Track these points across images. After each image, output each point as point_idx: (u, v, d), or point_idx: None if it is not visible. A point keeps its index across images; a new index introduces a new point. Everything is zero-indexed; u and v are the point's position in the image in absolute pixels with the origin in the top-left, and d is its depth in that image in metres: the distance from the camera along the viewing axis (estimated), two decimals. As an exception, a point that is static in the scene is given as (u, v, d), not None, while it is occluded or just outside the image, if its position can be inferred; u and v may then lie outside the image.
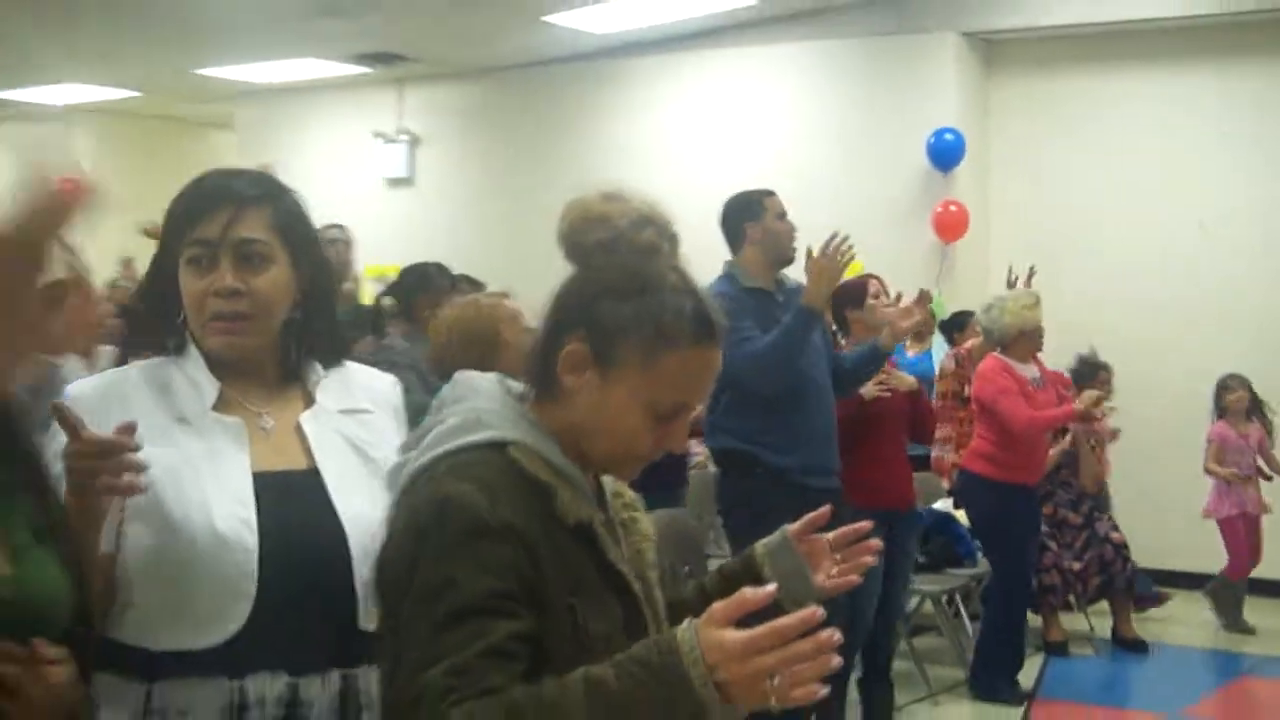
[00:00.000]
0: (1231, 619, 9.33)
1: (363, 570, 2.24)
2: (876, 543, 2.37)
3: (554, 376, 2.12)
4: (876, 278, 7.13)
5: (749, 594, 1.75)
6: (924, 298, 7.22)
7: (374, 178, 14.39)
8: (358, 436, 2.45)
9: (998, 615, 7.94)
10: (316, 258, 2.53)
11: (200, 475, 2.28)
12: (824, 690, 1.75)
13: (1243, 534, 9.18)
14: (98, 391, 2.45)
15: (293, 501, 2.32)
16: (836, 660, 1.72)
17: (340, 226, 8.97)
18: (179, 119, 17.26)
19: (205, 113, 16.87)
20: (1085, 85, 11.59)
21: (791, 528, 2.37)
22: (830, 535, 2.37)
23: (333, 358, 2.51)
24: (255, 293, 2.33)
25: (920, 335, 9.95)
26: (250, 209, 2.36)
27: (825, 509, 2.37)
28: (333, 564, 2.20)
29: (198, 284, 2.34)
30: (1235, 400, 9.01)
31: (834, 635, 1.71)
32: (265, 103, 15.70)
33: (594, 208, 2.23)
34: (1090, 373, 9.38)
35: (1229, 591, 9.29)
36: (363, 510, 2.24)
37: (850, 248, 6.18)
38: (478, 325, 4.37)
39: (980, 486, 7.77)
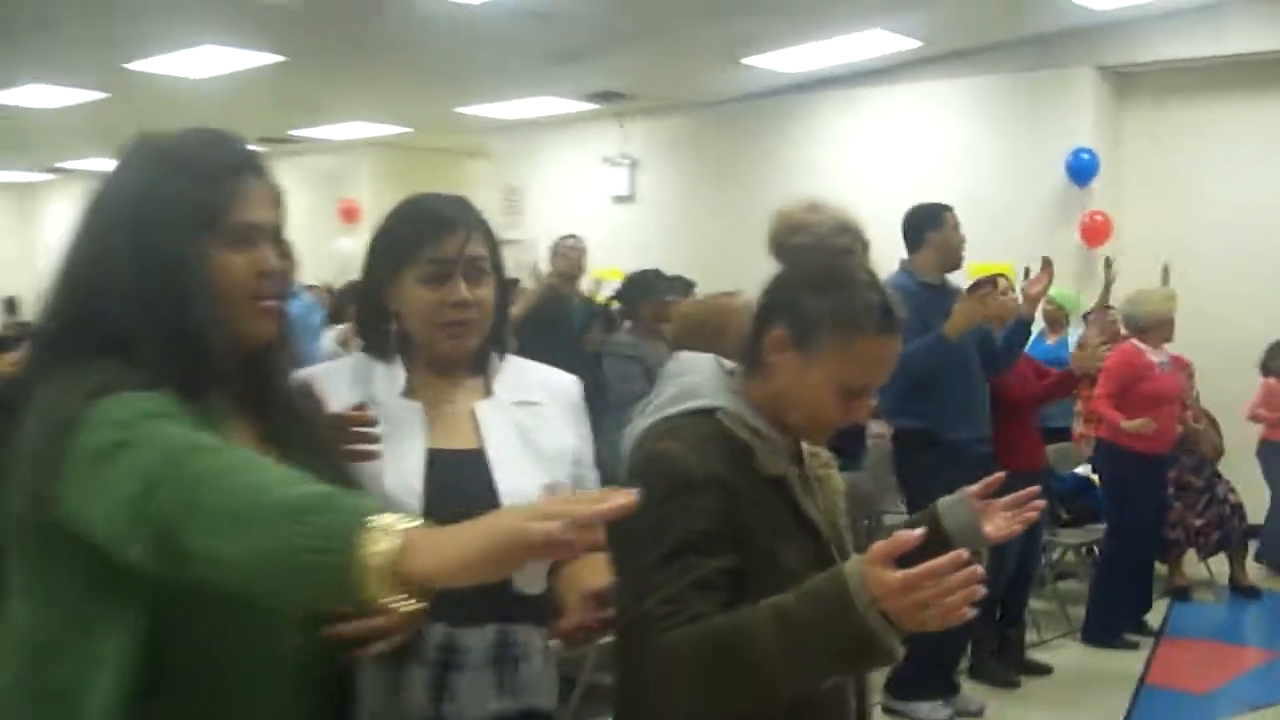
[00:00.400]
0: None
1: None
2: (1042, 503, 2.59)
3: (761, 356, 2.35)
4: (1004, 276, 7.48)
5: (903, 535, 1.98)
6: (1046, 265, 7.07)
7: (601, 196, 15.40)
8: (525, 424, 2.56)
9: (1117, 567, 8.25)
10: (503, 269, 2.65)
11: (381, 449, 2.41)
12: (972, 613, 1.96)
13: None
14: (317, 374, 2.58)
15: (458, 476, 2.47)
16: (981, 590, 1.93)
17: (575, 236, 9.95)
18: (443, 149, 18.28)
19: (464, 144, 17.83)
20: (1205, 110, 12.19)
21: (970, 489, 2.55)
22: (1005, 499, 2.57)
23: (501, 349, 2.66)
24: (481, 303, 2.50)
25: (1057, 324, 10.44)
26: (476, 232, 2.52)
27: (999, 475, 2.58)
28: None
29: (432, 296, 2.48)
30: None
31: (978, 570, 1.92)
32: (513, 135, 16.69)
33: (797, 216, 2.44)
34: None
35: None
36: (519, 485, 2.38)
37: (1007, 293, 6.96)
38: (706, 316, 4.48)
39: (1112, 454, 8.15)
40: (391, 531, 1.47)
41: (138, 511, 1.54)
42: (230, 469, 1.56)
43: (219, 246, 1.80)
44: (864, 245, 2.42)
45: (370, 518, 1.47)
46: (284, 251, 1.92)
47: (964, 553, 1.93)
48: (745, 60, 12.81)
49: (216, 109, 13.97)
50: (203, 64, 12.22)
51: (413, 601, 1.49)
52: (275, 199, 1.91)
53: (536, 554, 1.52)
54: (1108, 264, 9.68)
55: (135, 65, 12.22)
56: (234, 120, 10.37)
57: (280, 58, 11.96)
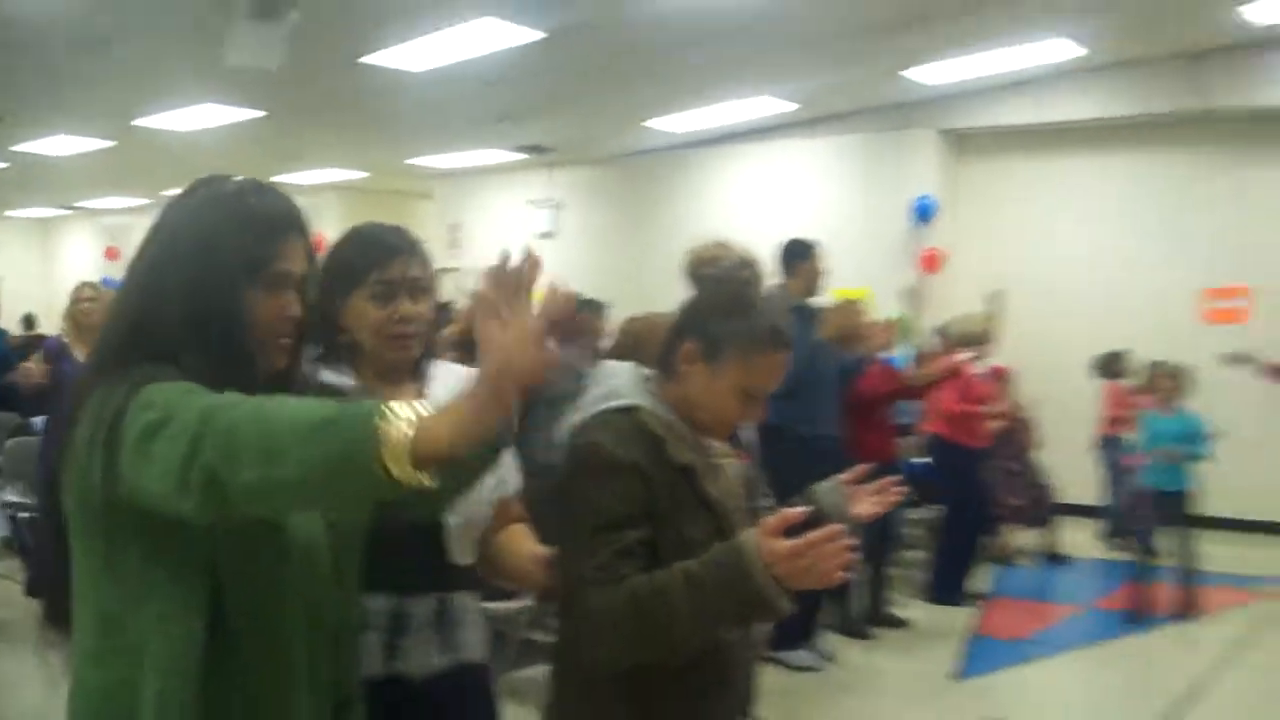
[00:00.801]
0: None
1: (450, 519, 2.38)
2: (903, 489, 2.60)
3: (674, 366, 2.37)
4: (860, 300, 7.60)
5: (790, 512, 2.06)
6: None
7: (529, 232, 14.99)
8: None
9: (953, 539, 8.43)
10: (436, 288, 2.60)
11: None
12: (844, 576, 2.04)
13: None
14: None
15: None
16: (852, 557, 2.01)
17: None
18: (396, 192, 18.14)
19: (414, 187, 17.71)
20: (1026, 167, 12.43)
21: (841, 476, 2.61)
22: (870, 485, 2.60)
23: (432, 356, 2.59)
24: (421, 317, 2.47)
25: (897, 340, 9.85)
26: (414, 256, 2.49)
27: (865, 466, 2.63)
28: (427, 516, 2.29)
29: (379, 312, 2.43)
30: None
31: (850, 541, 2.01)
32: (455, 180, 16.77)
33: (708, 251, 2.49)
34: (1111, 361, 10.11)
35: None
36: None
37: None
38: (635, 332, 4.66)
39: (944, 447, 8.35)
40: (403, 416, 1.46)
41: (187, 469, 1.51)
42: (256, 413, 1.53)
43: (258, 289, 1.79)
44: (760, 276, 2.50)
45: (383, 411, 1.46)
46: (304, 298, 1.89)
47: (840, 527, 2.01)
48: (645, 122, 12.87)
49: (208, 157, 13.67)
50: (197, 119, 12.14)
51: (430, 477, 1.48)
52: (309, 253, 1.90)
53: (510, 369, 1.50)
54: (995, 297, 9.51)
55: (140, 120, 12.16)
56: (223, 166, 10.35)
57: (263, 114, 11.88)
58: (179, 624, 1.69)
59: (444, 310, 7.32)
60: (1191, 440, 7.49)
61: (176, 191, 1.88)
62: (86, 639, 1.74)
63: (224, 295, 1.74)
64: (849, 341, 7.12)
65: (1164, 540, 8.07)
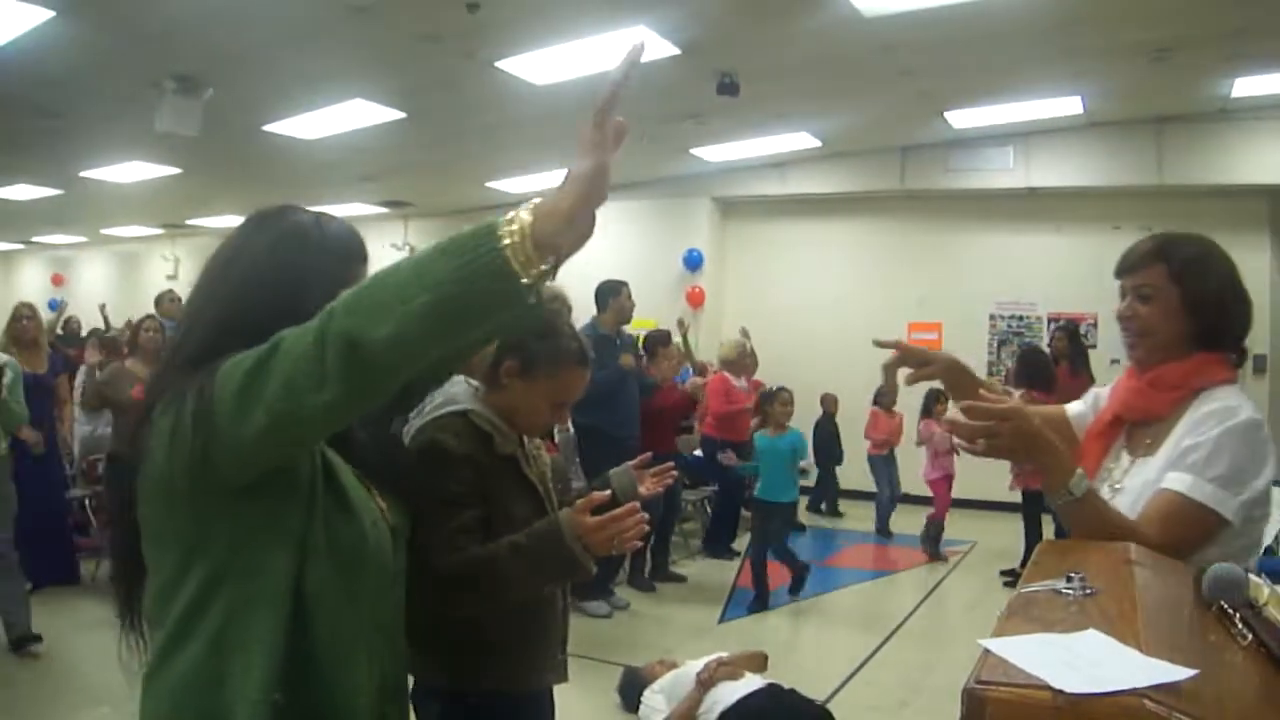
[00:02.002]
0: (934, 549, 8.80)
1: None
2: (675, 472, 2.61)
3: (498, 379, 2.34)
4: (668, 332, 7.88)
5: (596, 495, 2.10)
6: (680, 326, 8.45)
7: None
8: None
9: (720, 512, 8.79)
10: None
11: None
12: (639, 544, 2.13)
13: (945, 491, 8.80)
14: None
15: None
16: (645, 529, 2.07)
17: None
18: (284, 235, 18.28)
19: (299, 232, 17.98)
20: (776, 227, 12.56)
21: (630, 463, 2.59)
22: (652, 469, 2.59)
23: None
24: None
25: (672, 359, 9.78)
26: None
27: (646, 456, 2.62)
28: None
29: None
30: (940, 408, 8.37)
31: (644, 516, 2.06)
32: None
33: None
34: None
35: (935, 528, 8.81)
36: None
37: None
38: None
39: (713, 442, 8.50)
40: (517, 215, 1.29)
41: (320, 351, 1.31)
42: (373, 278, 1.34)
43: None
44: (569, 308, 2.55)
45: (493, 219, 1.29)
46: None
47: (636, 505, 2.07)
48: (487, 183, 12.83)
49: (137, 203, 14.13)
50: (129, 173, 11.92)
51: (549, 266, 1.30)
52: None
53: (603, 159, 1.34)
54: (743, 331, 10.22)
55: (84, 173, 11.96)
56: (150, 210, 10.50)
57: (181, 170, 11.79)
58: (266, 606, 1.49)
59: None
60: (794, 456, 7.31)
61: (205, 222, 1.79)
62: (168, 624, 1.52)
63: (308, 316, 1.46)
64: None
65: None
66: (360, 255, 1.70)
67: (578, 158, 1.34)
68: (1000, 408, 1.88)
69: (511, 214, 1.29)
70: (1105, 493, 2.06)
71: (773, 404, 7.38)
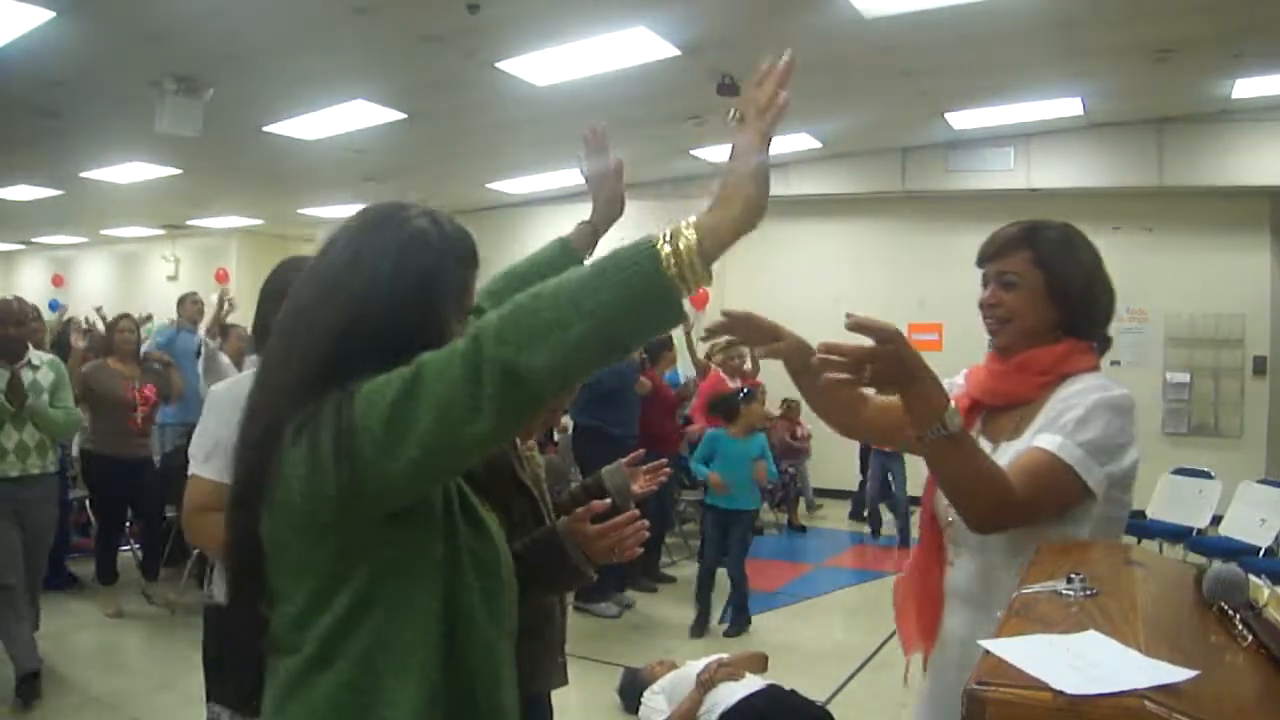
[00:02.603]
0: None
1: None
2: (669, 470, 2.56)
3: None
4: (669, 334, 7.23)
5: (596, 504, 2.04)
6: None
7: None
8: None
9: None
10: None
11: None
12: (639, 551, 2.06)
13: None
14: (229, 387, 2.64)
15: None
16: (645, 535, 2.01)
17: None
18: (285, 236, 17.60)
19: (300, 232, 17.23)
20: (781, 227, 12.15)
21: (621, 461, 2.57)
22: (645, 467, 2.56)
23: None
24: None
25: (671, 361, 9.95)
26: None
27: (639, 453, 2.60)
28: None
29: None
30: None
31: (644, 524, 2.01)
32: (333, 228, 16.99)
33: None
34: None
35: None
36: None
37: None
38: None
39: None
40: (681, 231, 1.30)
41: (475, 379, 1.27)
42: (523, 302, 1.30)
43: (453, 316, 1.54)
44: None
45: (651, 238, 1.29)
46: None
47: (636, 512, 2.01)
48: (487, 185, 12.93)
49: (137, 203, 14.06)
50: (129, 174, 11.91)
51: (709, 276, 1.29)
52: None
53: (765, 174, 1.37)
54: (685, 322, 9.94)
55: (84, 174, 11.94)
56: (150, 211, 10.36)
57: (180, 171, 11.76)
58: (417, 631, 1.44)
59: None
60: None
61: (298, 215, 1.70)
62: (306, 647, 1.45)
63: (436, 321, 1.50)
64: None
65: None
66: (476, 256, 1.64)
67: (739, 154, 1.36)
68: (886, 325, 1.72)
69: (670, 232, 1.29)
70: None
71: (750, 403, 6.84)
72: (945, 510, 2.05)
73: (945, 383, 2.22)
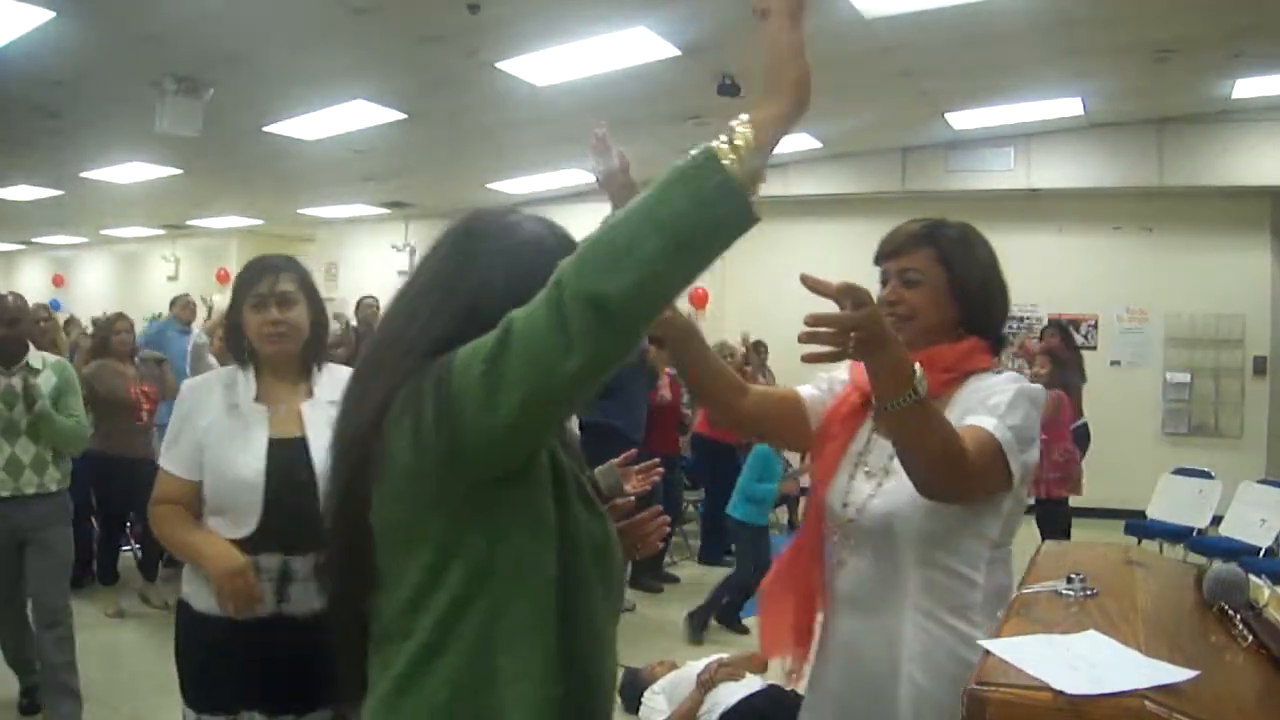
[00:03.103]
0: None
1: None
2: (661, 469, 2.40)
3: None
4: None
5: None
6: None
7: (390, 271, 14.72)
8: (334, 417, 2.15)
9: (715, 514, 7.93)
10: (318, 303, 2.67)
11: (235, 441, 2.46)
12: (660, 545, 2.02)
13: None
14: (197, 384, 2.66)
15: (287, 456, 2.45)
16: (666, 530, 1.96)
17: (373, 297, 9.80)
18: (285, 236, 17.66)
19: (299, 232, 17.42)
20: (779, 227, 11.72)
21: (614, 460, 2.41)
22: (638, 466, 2.37)
23: (320, 361, 2.61)
24: (290, 320, 2.53)
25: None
26: (284, 274, 2.56)
27: (631, 453, 2.42)
28: (308, 490, 2.16)
29: (257, 317, 2.52)
30: None
31: (666, 519, 1.96)
32: (332, 227, 16.55)
33: None
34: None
35: None
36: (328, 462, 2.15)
37: None
38: None
39: (703, 443, 8.23)
40: (735, 129, 1.29)
41: (561, 315, 1.26)
42: (594, 236, 1.30)
43: None
44: None
45: (708, 145, 1.28)
46: None
47: (659, 508, 1.96)
48: (486, 185, 12.88)
49: (138, 203, 14.14)
50: (129, 174, 11.94)
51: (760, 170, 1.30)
52: None
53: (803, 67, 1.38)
54: (744, 336, 10.18)
55: (84, 174, 11.98)
56: (150, 211, 10.37)
57: (181, 171, 11.79)
58: (532, 601, 1.43)
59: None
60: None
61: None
62: (420, 634, 1.44)
63: None
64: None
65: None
66: None
67: (778, 61, 1.38)
68: (853, 285, 1.63)
69: (724, 135, 1.28)
70: (860, 479, 2.00)
71: None
72: (845, 508, 2.00)
73: (824, 378, 2.24)
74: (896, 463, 1.88)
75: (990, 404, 1.85)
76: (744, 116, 1.30)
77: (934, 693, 1.80)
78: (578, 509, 1.51)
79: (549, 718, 1.42)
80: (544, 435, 1.46)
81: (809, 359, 1.59)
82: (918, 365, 1.65)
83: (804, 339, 1.58)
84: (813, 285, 1.63)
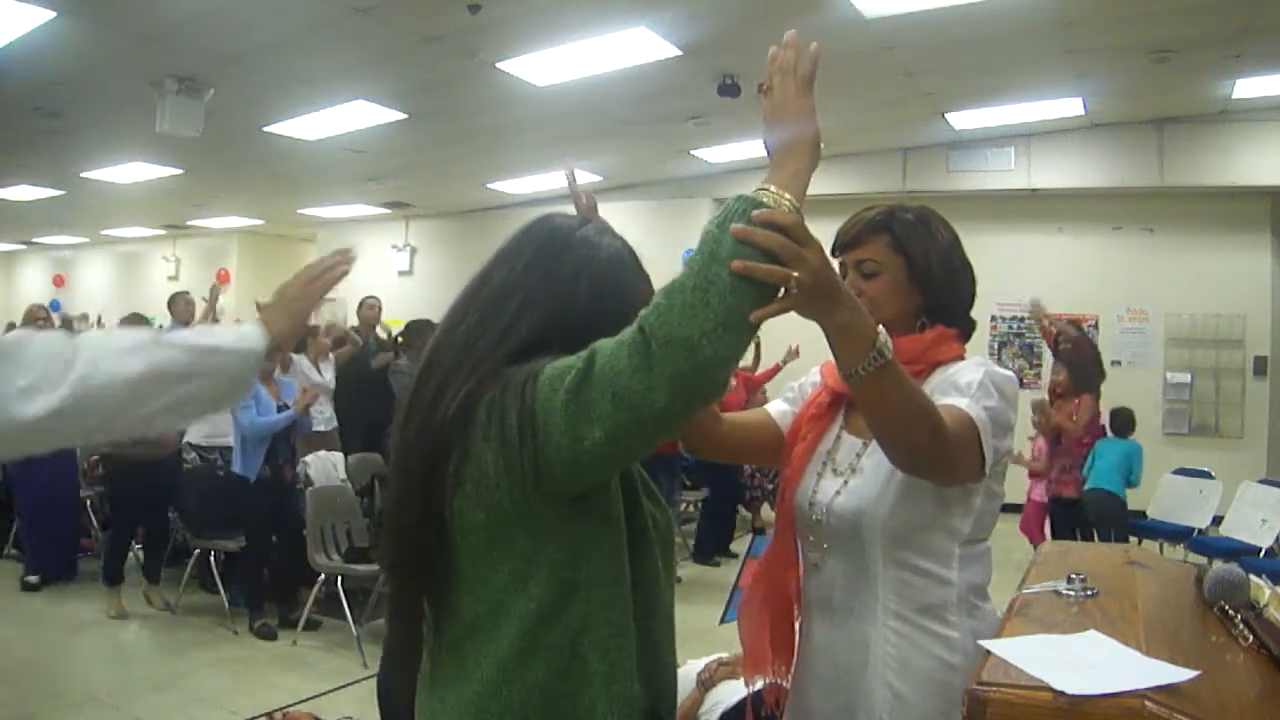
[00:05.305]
0: None
1: None
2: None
3: None
4: None
5: None
6: None
7: (391, 271, 15.05)
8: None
9: (714, 514, 8.60)
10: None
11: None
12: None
13: None
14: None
15: None
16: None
17: (374, 296, 9.73)
18: (285, 236, 17.75)
19: (299, 233, 17.37)
20: None
21: None
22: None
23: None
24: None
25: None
26: None
27: None
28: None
29: None
30: None
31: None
32: (333, 227, 16.22)
33: None
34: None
35: None
36: None
37: None
38: None
39: None
40: (770, 182, 1.43)
41: (646, 354, 1.29)
42: (662, 294, 1.33)
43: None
44: None
45: (745, 194, 1.39)
46: None
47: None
48: (487, 185, 12.88)
49: (138, 203, 14.19)
50: (130, 174, 11.97)
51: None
52: None
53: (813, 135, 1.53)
54: None
55: (85, 174, 12.01)
56: (150, 211, 10.44)
57: (181, 171, 11.82)
58: (619, 602, 1.47)
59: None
60: None
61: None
62: (509, 636, 1.45)
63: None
64: None
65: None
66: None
67: (790, 123, 1.50)
68: (785, 216, 1.40)
69: (758, 187, 1.41)
70: (827, 478, 1.92)
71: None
72: (811, 508, 1.92)
73: (797, 384, 2.18)
74: (864, 460, 1.86)
75: (961, 384, 1.78)
76: (764, 184, 1.41)
77: (909, 696, 1.77)
78: (648, 507, 1.56)
79: (634, 714, 1.46)
80: (628, 464, 1.51)
81: (757, 318, 1.35)
82: (881, 327, 1.55)
83: (738, 270, 1.33)
84: (744, 236, 1.36)
